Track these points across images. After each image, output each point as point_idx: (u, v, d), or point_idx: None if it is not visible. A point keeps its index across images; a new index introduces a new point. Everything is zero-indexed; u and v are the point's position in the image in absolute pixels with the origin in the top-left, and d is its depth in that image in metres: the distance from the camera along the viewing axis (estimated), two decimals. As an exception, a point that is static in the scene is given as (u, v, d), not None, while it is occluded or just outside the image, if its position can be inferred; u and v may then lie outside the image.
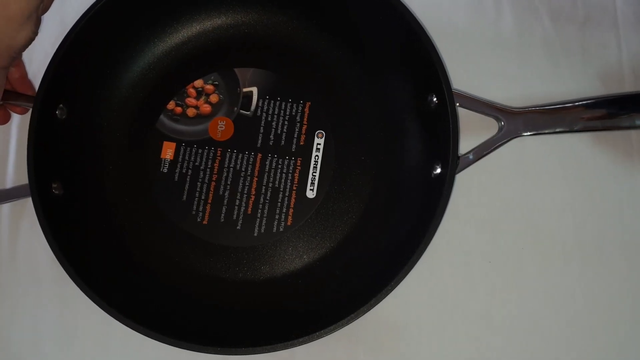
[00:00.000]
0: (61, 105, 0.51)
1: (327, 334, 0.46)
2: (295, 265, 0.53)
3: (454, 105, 0.49)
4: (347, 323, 0.46)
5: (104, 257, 0.51)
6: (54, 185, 0.50)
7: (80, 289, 0.47)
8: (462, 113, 0.50)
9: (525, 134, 0.49)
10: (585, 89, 0.54)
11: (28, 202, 0.50)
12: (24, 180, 0.49)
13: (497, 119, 0.50)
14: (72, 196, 0.51)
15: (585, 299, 0.51)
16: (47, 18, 0.51)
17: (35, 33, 0.47)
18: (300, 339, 0.46)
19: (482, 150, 0.50)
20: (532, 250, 0.52)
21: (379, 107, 0.55)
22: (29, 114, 0.50)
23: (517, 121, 0.50)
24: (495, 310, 0.51)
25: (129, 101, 0.55)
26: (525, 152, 0.54)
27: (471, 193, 0.53)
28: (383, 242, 0.51)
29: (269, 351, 0.46)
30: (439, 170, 0.50)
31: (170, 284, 0.51)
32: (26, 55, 0.53)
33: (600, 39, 0.55)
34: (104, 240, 0.52)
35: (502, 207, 0.53)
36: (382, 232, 0.52)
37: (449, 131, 0.48)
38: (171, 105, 0.56)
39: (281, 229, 0.53)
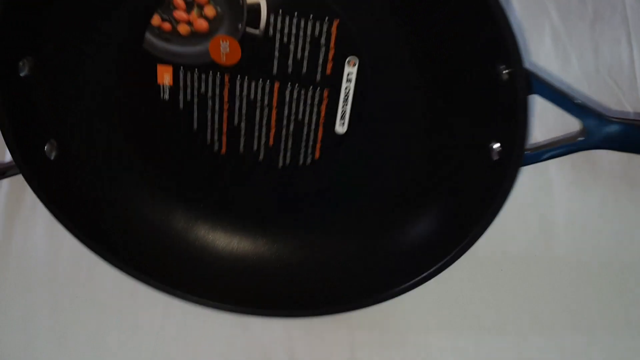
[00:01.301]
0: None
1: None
2: (323, 205, 0.48)
3: (526, 89, 0.36)
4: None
5: (119, 215, 0.48)
6: (47, 147, 0.44)
7: (107, 260, 0.46)
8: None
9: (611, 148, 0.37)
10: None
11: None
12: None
13: (583, 121, 0.37)
14: (67, 153, 0.45)
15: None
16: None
17: None
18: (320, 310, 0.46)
19: (551, 152, 0.39)
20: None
21: (433, 39, 0.40)
22: None
23: (607, 130, 0.37)
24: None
25: (104, 24, 0.42)
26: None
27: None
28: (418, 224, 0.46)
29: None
30: (497, 158, 0.40)
31: (194, 234, 0.49)
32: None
33: (611, 36, 0.46)
34: (115, 194, 0.48)
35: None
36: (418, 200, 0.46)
37: (519, 120, 0.37)
38: (156, 20, 0.42)
39: (308, 162, 0.47)
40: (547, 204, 0.46)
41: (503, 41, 0.36)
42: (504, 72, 0.37)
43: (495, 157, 0.40)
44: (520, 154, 0.39)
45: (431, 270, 0.43)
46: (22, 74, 0.41)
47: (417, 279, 0.44)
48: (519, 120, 0.37)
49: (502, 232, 0.41)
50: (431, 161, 0.44)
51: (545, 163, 0.41)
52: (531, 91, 0.38)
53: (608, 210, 0.46)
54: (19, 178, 0.43)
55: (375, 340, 0.49)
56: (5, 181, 0.49)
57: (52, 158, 0.45)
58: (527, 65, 0.36)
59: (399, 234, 0.46)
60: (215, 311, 0.46)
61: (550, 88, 0.38)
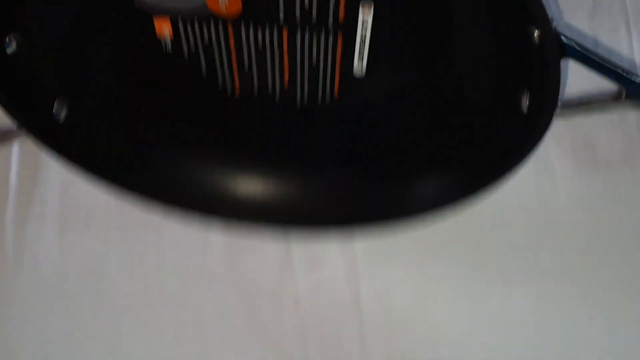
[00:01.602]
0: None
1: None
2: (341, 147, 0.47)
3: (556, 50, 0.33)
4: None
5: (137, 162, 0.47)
6: (56, 106, 0.43)
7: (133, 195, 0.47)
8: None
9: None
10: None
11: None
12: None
13: (625, 87, 0.34)
14: (78, 109, 0.44)
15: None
16: None
17: None
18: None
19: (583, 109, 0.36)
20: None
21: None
22: None
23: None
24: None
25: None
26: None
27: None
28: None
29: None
30: (525, 109, 0.37)
31: (214, 180, 0.48)
32: None
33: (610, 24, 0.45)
34: (132, 143, 0.47)
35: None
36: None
37: (549, 83, 0.35)
38: (143, -23, 0.38)
39: (327, 101, 0.44)
40: (550, 188, 0.47)
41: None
42: (535, 34, 0.33)
43: (526, 111, 0.38)
44: (552, 110, 0.36)
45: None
46: (8, 51, 0.39)
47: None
48: (550, 83, 0.34)
49: (507, 217, 0.43)
50: (456, 108, 0.42)
51: (547, 149, 0.43)
52: (565, 55, 0.34)
53: (608, 193, 0.46)
54: (26, 182, 0.44)
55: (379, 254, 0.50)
56: (13, 190, 0.49)
57: (62, 120, 0.44)
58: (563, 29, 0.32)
59: (419, 176, 0.45)
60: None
61: (586, 52, 0.34)
